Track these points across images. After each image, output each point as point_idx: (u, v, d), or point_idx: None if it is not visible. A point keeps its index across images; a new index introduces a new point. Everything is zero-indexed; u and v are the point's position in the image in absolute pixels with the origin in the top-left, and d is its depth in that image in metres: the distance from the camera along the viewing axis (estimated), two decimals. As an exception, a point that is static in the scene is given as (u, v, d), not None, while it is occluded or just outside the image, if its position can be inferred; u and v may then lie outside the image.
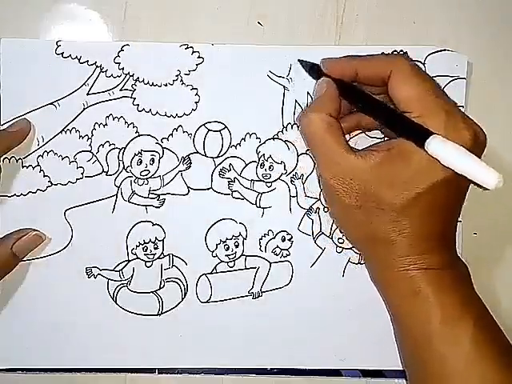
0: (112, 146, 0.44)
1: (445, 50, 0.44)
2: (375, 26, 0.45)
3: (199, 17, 0.44)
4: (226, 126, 0.44)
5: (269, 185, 0.45)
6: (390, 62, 0.39)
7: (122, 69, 0.43)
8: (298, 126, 0.44)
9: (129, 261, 0.44)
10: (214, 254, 0.45)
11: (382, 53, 0.43)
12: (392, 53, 0.44)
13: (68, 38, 0.44)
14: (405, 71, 0.38)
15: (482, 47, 0.45)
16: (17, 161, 0.43)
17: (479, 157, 0.37)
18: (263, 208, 0.45)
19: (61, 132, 0.43)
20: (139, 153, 0.44)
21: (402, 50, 0.44)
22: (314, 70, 0.43)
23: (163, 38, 0.44)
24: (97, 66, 0.43)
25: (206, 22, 0.44)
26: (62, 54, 0.43)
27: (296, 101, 0.44)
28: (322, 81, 0.41)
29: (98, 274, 0.44)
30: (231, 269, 0.45)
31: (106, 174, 0.44)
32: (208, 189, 0.44)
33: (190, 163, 0.44)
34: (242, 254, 0.45)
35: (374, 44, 0.44)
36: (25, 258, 0.43)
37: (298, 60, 0.44)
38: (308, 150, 0.44)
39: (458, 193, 0.39)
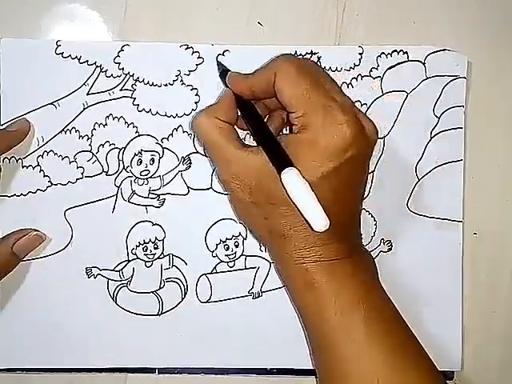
0: (112, 146, 0.44)
1: (445, 49, 0.44)
2: (375, 25, 0.45)
3: (199, 17, 0.44)
4: (225, 126, 0.44)
5: (269, 185, 0.44)
6: (273, 66, 0.39)
7: (122, 69, 0.43)
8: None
9: (129, 261, 0.44)
10: (214, 254, 0.45)
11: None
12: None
13: (68, 37, 0.44)
14: (286, 71, 0.38)
15: (481, 47, 0.45)
16: (17, 161, 0.43)
17: (370, 152, 0.39)
18: (263, 208, 0.45)
19: (61, 132, 0.43)
20: (139, 153, 0.44)
21: (402, 50, 0.44)
22: (224, 75, 0.42)
23: (163, 38, 0.44)
24: (97, 66, 0.43)
25: (206, 22, 0.44)
26: (62, 53, 0.43)
27: (296, 101, 0.44)
28: (224, 90, 0.42)
29: (98, 274, 0.44)
30: (231, 269, 0.45)
31: (106, 174, 0.44)
32: (208, 189, 0.44)
33: (190, 163, 0.44)
34: (241, 254, 0.45)
35: (374, 44, 0.44)
36: (25, 258, 0.43)
37: (216, 59, 0.43)
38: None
39: (354, 180, 0.39)
